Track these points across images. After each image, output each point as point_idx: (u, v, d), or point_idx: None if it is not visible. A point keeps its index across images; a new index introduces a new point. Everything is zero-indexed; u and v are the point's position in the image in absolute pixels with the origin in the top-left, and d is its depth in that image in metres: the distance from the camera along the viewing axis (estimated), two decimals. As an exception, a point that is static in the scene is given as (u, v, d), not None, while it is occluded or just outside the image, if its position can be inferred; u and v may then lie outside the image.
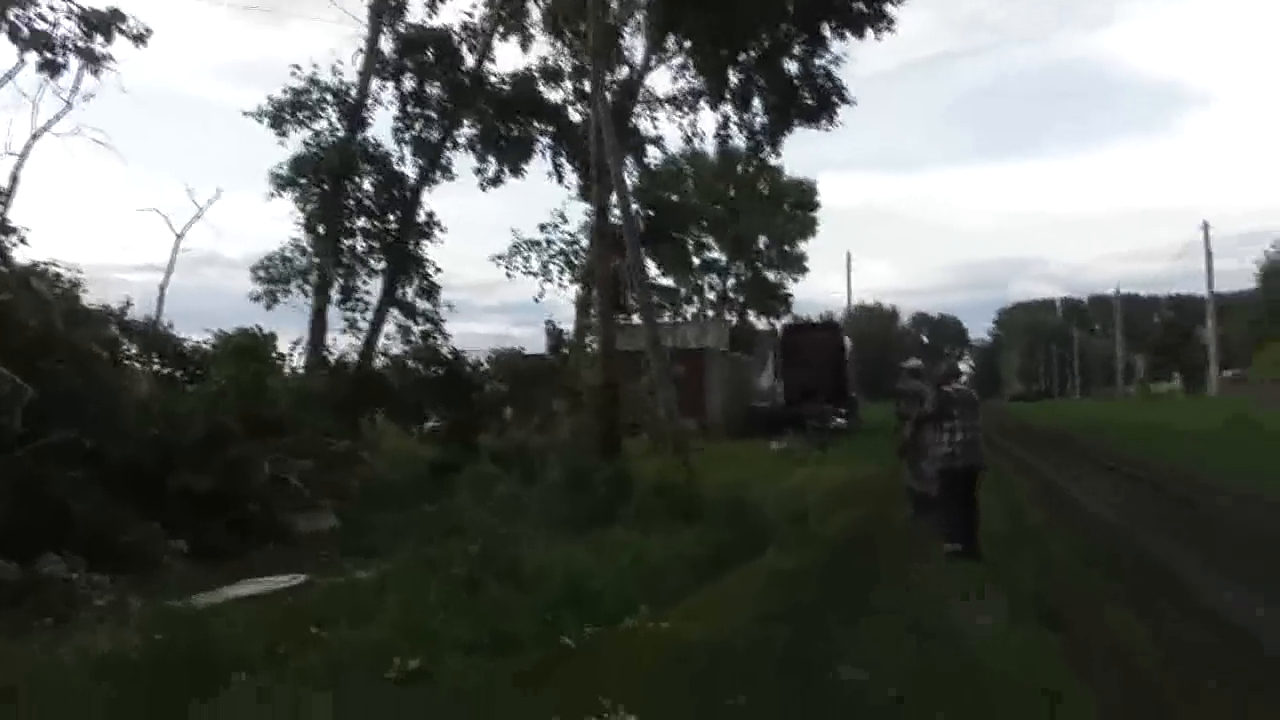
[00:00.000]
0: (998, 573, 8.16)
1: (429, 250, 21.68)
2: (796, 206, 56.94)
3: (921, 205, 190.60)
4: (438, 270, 21.49)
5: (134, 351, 15.52)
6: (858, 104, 26.45)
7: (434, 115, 22.65)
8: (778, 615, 6.93)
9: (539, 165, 25.96)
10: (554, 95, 25.44)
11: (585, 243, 24.26)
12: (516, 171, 24.89)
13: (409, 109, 22.30)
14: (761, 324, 53.87)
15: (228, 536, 10.45)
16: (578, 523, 10.58)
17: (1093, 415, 43.97)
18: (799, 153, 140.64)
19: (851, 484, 15.32)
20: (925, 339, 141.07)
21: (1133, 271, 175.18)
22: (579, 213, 27.17)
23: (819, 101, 25.96)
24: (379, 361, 20.04)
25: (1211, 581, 7.98)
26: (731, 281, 57.12)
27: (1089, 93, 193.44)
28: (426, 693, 5.25)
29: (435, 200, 32.38)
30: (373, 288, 20.98)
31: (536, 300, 26.13)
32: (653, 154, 29.24)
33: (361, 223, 20.95)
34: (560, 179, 26.06)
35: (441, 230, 21.80)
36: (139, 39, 14.20)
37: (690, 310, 55.89)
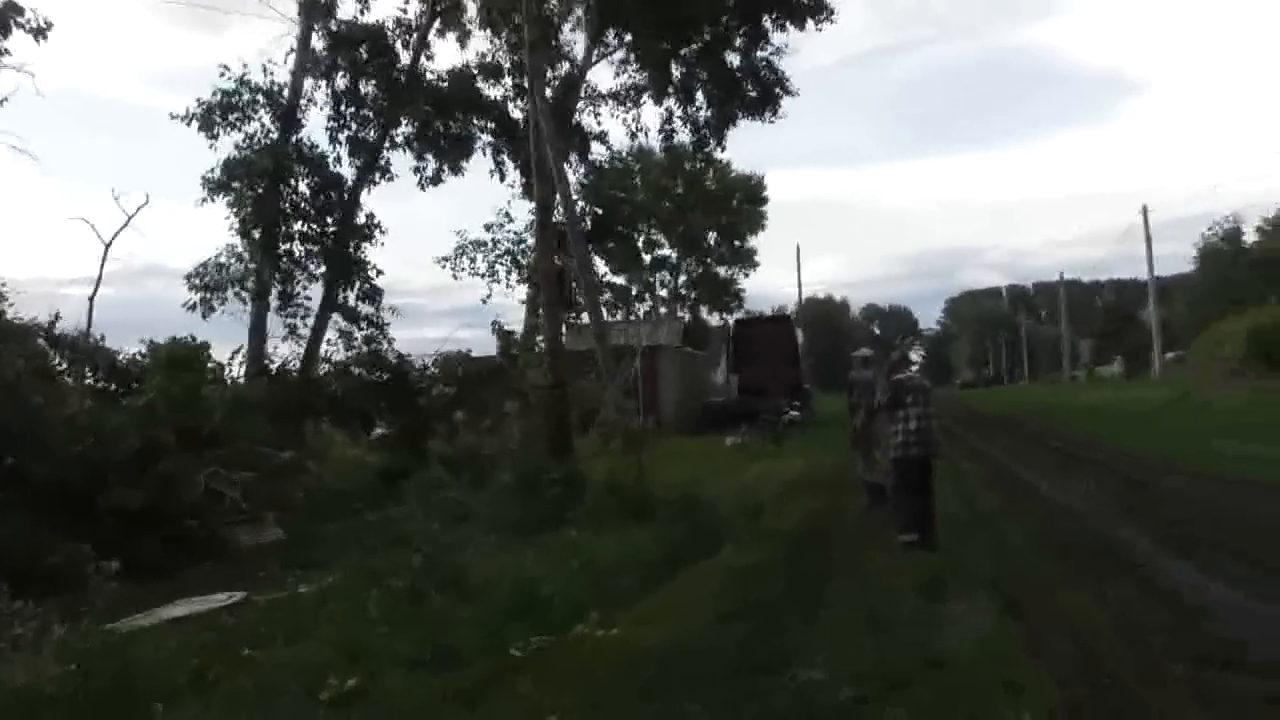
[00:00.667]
0: (954, 561, 8.10)
1: (370, 253, 21.27)
2: (746, 201, 57.13)
3: (867, 198, 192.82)
4: (379, 273, 21.08)
5: (64, 366, 15.01)
6: (800, 96, 26.65)
7: (370, 114, 22.20)
8: (733, 615, 6.78)
9: (481, 164, 25.73)
10: (494, 92, 25.21)
11: (532, 242, 24.02)
12: (457, 170, 24.62)
13: (343, 108, 21.83)
14: (714, 319, 54.02)
15: (163, 554, 10.18)
16: (528, 527, 10.44)
17: (1042, 400, 44.56)
18: (745, 149, 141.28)
19: (806, 476, 15.25)
20: (876, 330, 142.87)
21: (1076, 257, 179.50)
22: (525, 212, 27.02)
23: (762, 94, 25.96)
24: (322, 368, 19.62)
25: (1167, 563, 7.99)
26: (683, 278, 57.17)
27: (1029, 83, 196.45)
28: (362, 713, 5.00)
29: (378, 202, 31.78)
30: (313, 293, 20.49)
31: (484, 302, 25.92)
32: (598, 151, 29.06)
33: (299, 226, 20.41)
34: (502, 177, 25.87)
35: (382, 232, 21.38)
36: (39, 33, 13.52)
37: (643, 308, 55.95)
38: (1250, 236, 50.14)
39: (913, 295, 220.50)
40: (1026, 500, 12.24)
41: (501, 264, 26.49)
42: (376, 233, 21.32)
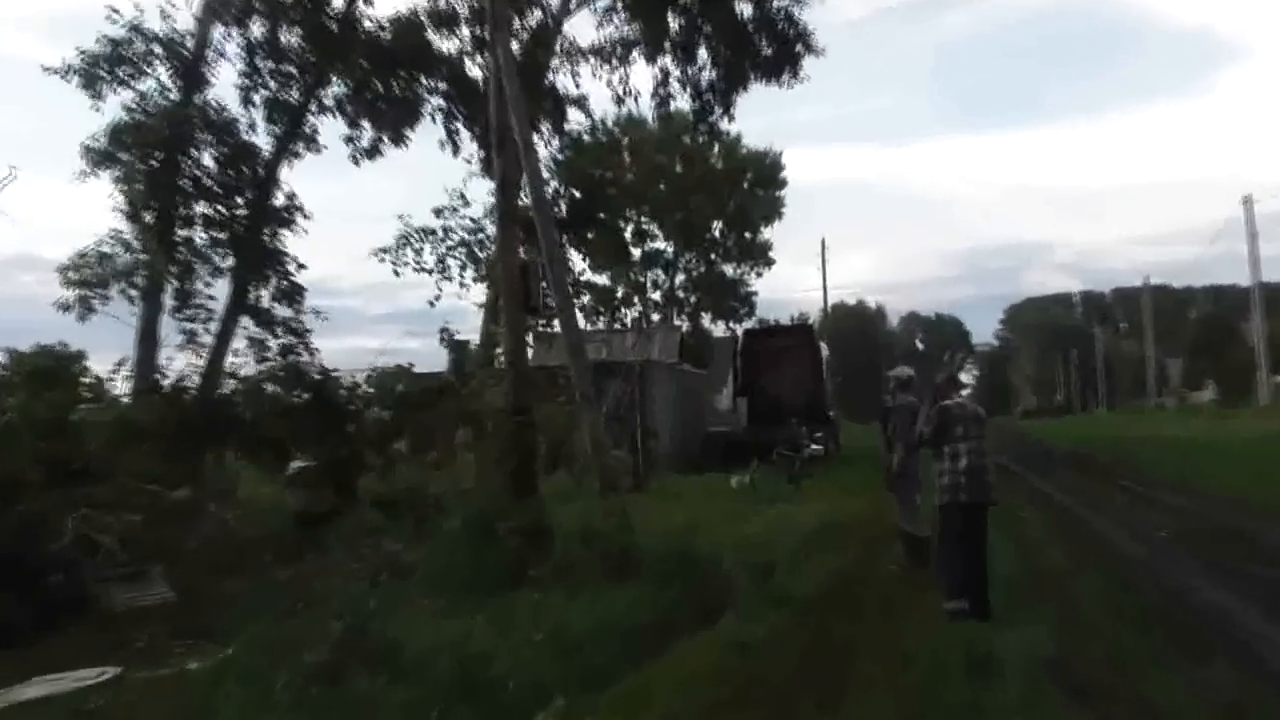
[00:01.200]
0: (1012, 635, 8.01)
1: (290, 242, 21.12)
2: (758, 184, 57.22)
3: (909, 182, 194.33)
4: (301, 267, 20.92)
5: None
6: (826, 55, 26.35)
7: (293, 70, 22.11)
8: (735, 702, 6.70)
9: (430, 133, 25.67)
10: (447, 45, 25.17)
11: (492, 231, 23.97)
12: (400, 140, 24.53)
13: (259, 62, 21.72)
14: (719, 330, 54.03)
15: (19, 618, 9.99)
16: (480, 586, 10.32)
17: (1121, 433, 44.77)
18: (758, 121, 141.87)
19: (831, 526, 15.23)
20: (919, 344, 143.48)
21: (1163, 257, 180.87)
22: (484, 193, 26.96)
23: (778, 51, 25.95)
24: (228, 386, 19.43)
25: (1267, 629, 7.95)
26: (681, 278, 57.17)
27: (1102, 46, 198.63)
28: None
29: (301, 180, 31.79)
30: (218, 291, 20.33)
31: (432, 305, 25.77)
32: (577, 120, 29.03)
33: (201, 208, 20.26)
34: (456, 149, 25.86)
35: (306, 216, 21.25)
36: None
37: (630, 315, 55.90)
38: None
39: (964, 302, 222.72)
40: (1101, 557, 12.26)
41: (454, 258, 26.50)
42: (299, 217, 21.21)
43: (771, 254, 58.19)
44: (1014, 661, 7.23)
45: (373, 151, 24.41)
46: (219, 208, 20.51)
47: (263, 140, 21.57)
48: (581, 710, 6.49)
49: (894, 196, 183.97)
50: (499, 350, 14.41)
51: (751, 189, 57.13)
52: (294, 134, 22.01)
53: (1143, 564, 11.66)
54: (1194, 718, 6.08)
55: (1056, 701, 6.39)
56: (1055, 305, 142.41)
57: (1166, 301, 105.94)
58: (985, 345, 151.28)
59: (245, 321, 20.38)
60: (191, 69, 20.45)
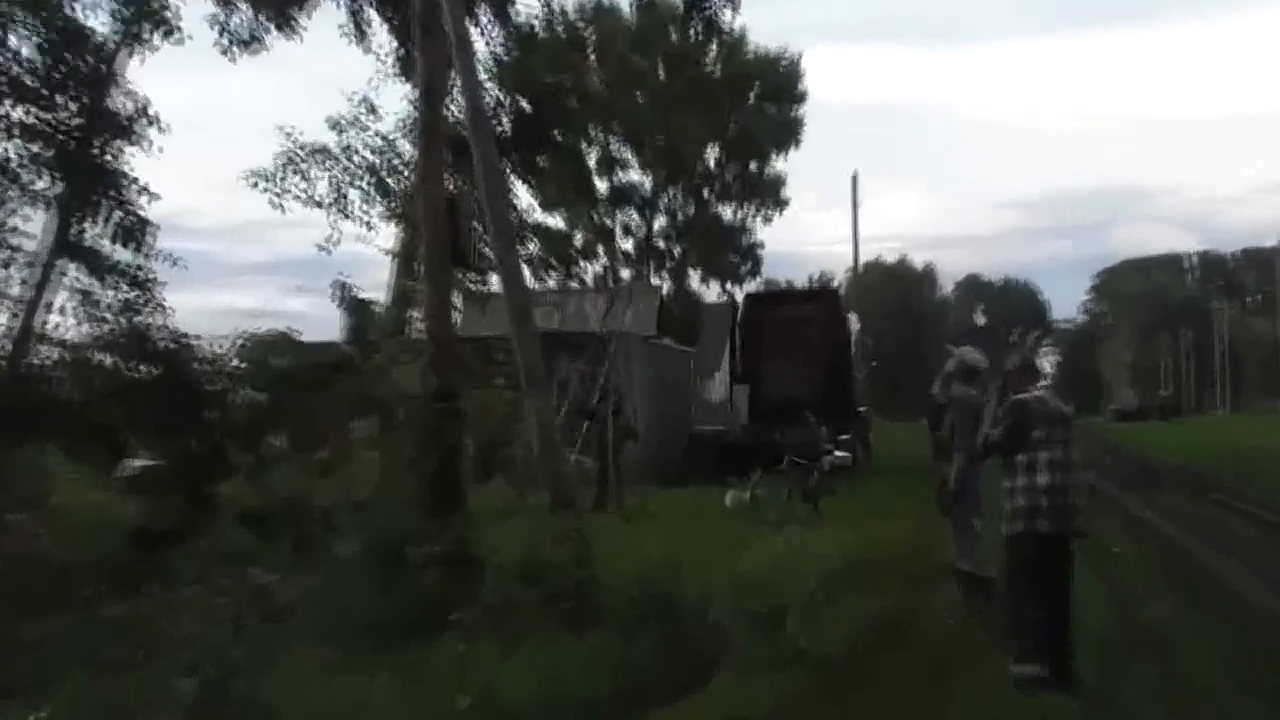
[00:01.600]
0: (1103, 710, 8.05)
1: (137, 162, 20.88)
2: (768, 98, 57.03)
3: (970, 101, 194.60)
4: (151, 196, 20.69)
5: None
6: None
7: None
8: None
9: (328, 18, 25.43)
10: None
11: (409, 153, 23.75)
12: (285, 25, 24.25)
13: (98, -86, 21.48)
14: (711, 294, 54.11)
15: None
16: (385, 633, 10.31)
17: (1254, 443, 45.11)
18: (769, 13, 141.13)
19: (861, 561, 15.29)
20: (981, 317, 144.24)
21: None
22: (399, 100, 26.70)
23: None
24: (44, 354, 19.24)
25: None
26: (662, 222, 57.04)
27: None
28: None
29: (153, 79, 31.56)
30: (34, 226, 20.11)
31: (326, 251, 25.37)
32: (527, 6, 28.83)
33: (16, 111, 20.05)
34: (361, 37, 25.57)
35: (159, 128, 20.99)
36: None
37: (594, 268, 55.79)
38: None
39: (1042, 264, 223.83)
40: (1224, 611, 12.35)
41: (357, 187, 26.25)
42: (148, 128, 20.97)
43: (784, 193, 58.16)
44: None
45: (251, 41, 24.17)
46: (39, 112, 20.26)
47: (99, 23, 21.30)
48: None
49: (950, 119, 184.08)
50: (415, 315, 14.25)
51: (759, 104, 56.95)
52: (140, 14, 21.74)
53: (1276, 617, 11.75)
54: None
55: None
56: (1161, 270, 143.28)
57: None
58: (1067, 322, 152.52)
59: (71, 268, 20.18)
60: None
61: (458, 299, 14.45)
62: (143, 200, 20.59)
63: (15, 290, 19.60)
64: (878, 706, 8.71)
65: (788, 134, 57.05)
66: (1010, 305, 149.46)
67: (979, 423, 10.74)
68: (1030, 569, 8.88)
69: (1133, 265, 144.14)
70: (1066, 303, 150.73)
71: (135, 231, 20.50)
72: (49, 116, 20.37)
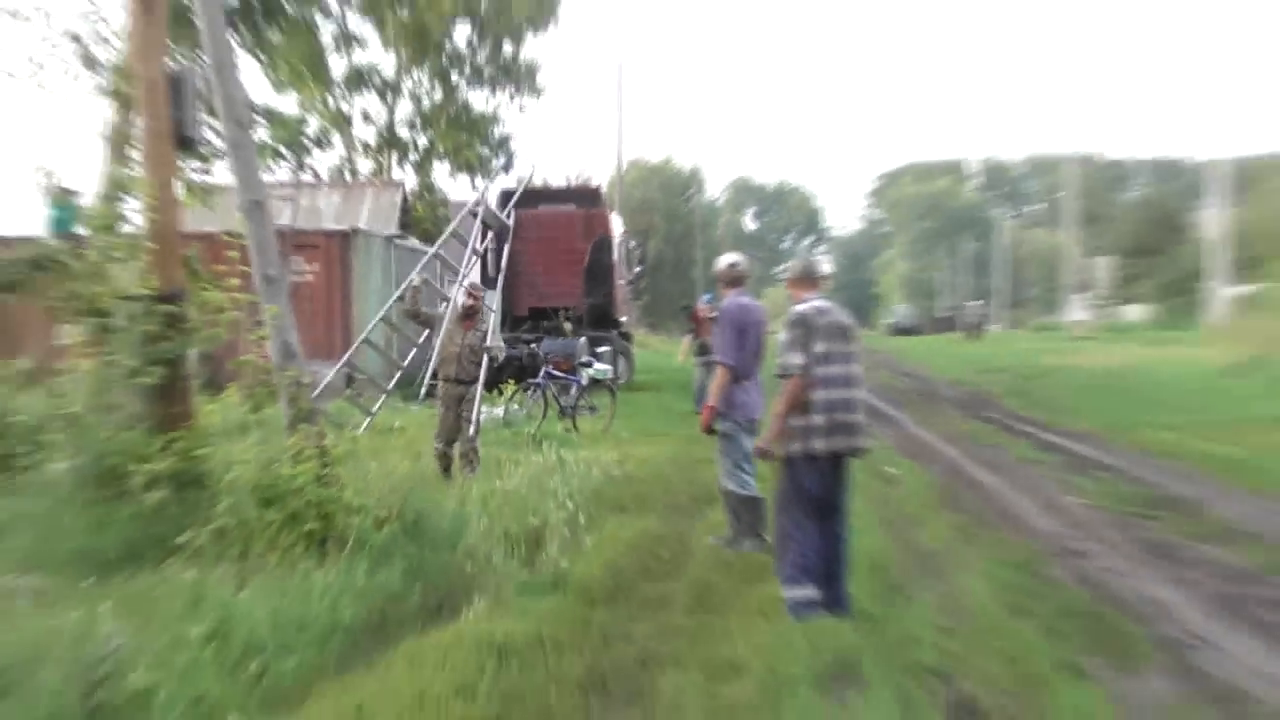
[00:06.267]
0: (880, 635, 8.43)
1: None
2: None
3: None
4: None
5: None
6: None
7: None
8: (488, 728, 6.82)
9: None
10: None
11: (121, 23, 23.02)
12: None
13: None
14: (461, 190, 53.69)
15: None
16: (105, 560, 10.09)
17: (1034, 359, 46.94)
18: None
19: (624, 481, 15.45)
20: (751, 222, 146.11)
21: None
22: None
23: None
24: None
25: (1226, 641, 8.63)
26: (407, 109, 56.22)
27: None
28: None
29: None
30: None
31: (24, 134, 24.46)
32: None
33: None
34: None
35: None
36: None
37: (329, 160, 54.82)
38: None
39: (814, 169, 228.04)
40: (1000, 533, 12.91)
41: (58, 58, 25.38)
42: None
43: (539, 80, 57.74)
44: (880, 672, 7.61)
45: None
46: None
47: None
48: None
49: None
50: (132, 207, 13.83)
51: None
52: None
53: (1055, 542, 12.33)
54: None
55: (937, 726, 6.80)
56: (941, 177, 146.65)
57: (1097, 177, 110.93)
58: (842, 230, 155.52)
59: None
60: None
61: (180, 190, 14.01)
62: None
63: None
64: (644, 632, 8.88)
65: (544, 10, 56.38)
66: (783, 211, 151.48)
67: (744, 334, 11.02)
68: (805, 491, 8.95)
69: (913, 170, 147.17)
70: (844, 210, 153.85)
71: None
72: None
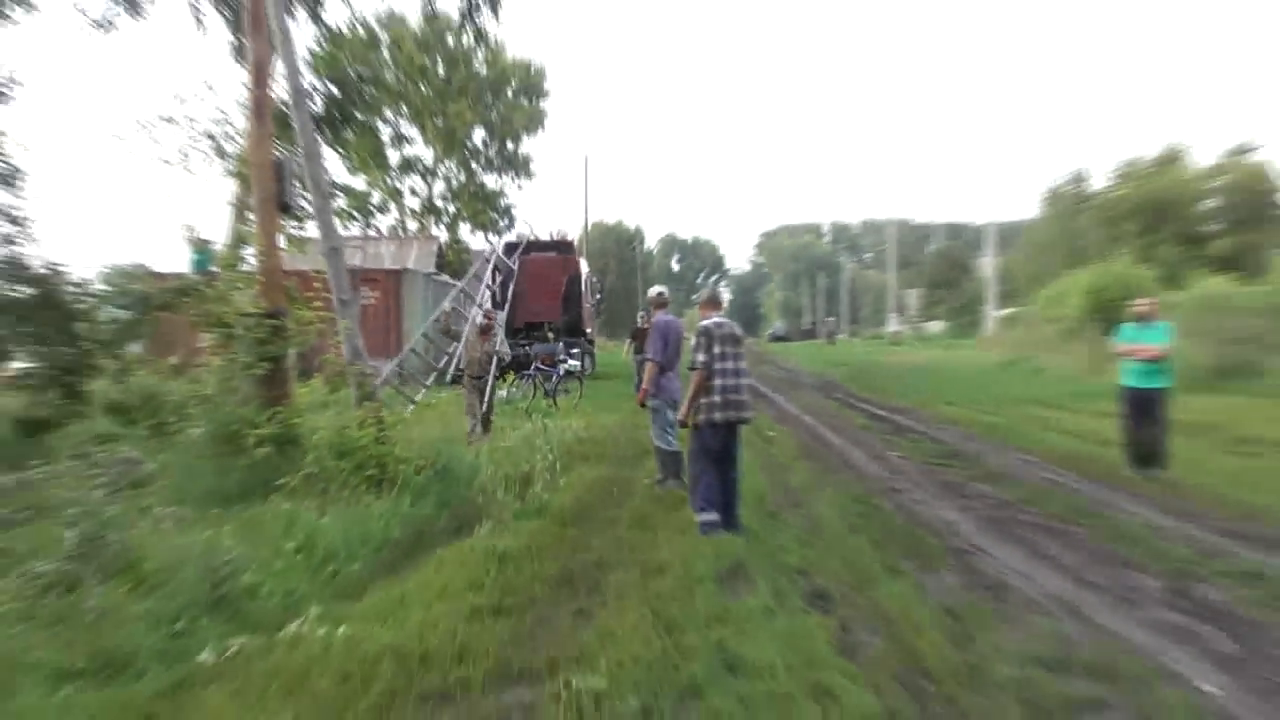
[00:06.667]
0: (760, 546, 8.45)
1: (4, 118, 19.36)
2: (521, 93, 56.74)
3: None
4: (21, 147, 19.21)
5: None
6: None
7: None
8: (493, 609, 6.78)
9: (176, 7, 24.03)
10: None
11: (242, 124, 22.77)
12: (136, 10, 22.80)
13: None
14: (478, 242, 53.51)
15: None
16: (227, 496, 10.05)
17: (865, 357, 47.33)
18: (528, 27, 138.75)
19: (586, 441, 15.50)
20: (675, 265, 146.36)
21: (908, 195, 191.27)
22: (235, 82, 25.66)
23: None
24: (-65, 277, 17.80)
25: (993, 549, 8.71)
26: (441, 186, 56.12)
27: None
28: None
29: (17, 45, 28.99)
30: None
31: (176, 207, 24.18)
32: (337, 14, 27.82)
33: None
34: (202, 27, 24.32)
35: (12, 86, 19.44)
36: None
37: (387, 221, 54.61)
38: (1100, 183, 54.51)
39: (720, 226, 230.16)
40: (842, 475, 12.93)
41: (199, 149, 25.09)
42: (12, 89, 19.39)
43: (533, 167, 58.06)
44: (761, 571, 7.64)
45: (105, 24, 22.61)
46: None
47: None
48: (337, 618, 6.45)
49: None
50: (249, 252, 13.74)
51: (515, 98, 56.56)
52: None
53: (879, 481, 12.39)
54: (915, 618, 6.57)
55: (798, 607, 6.80)
56: (806, 233, 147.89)
57: (909, 235, 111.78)
58: (738, 269, 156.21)
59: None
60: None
61: (282, 241, 13.96)
62: (15, 149, 19.20)
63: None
64: (600, 544, 8.86)
65: (535, 122, 57.11)
66: (697, 256, 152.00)
67: (667, 340, 11.04)
68: (709, 447, 9.04)
69: (786, 229, 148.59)
70: (739, 256, 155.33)
71: (9, 177, 19.08)
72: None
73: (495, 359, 16.95)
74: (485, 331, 17.24)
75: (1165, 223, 45.71)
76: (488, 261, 22.29)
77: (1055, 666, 5.67)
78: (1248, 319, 25.10)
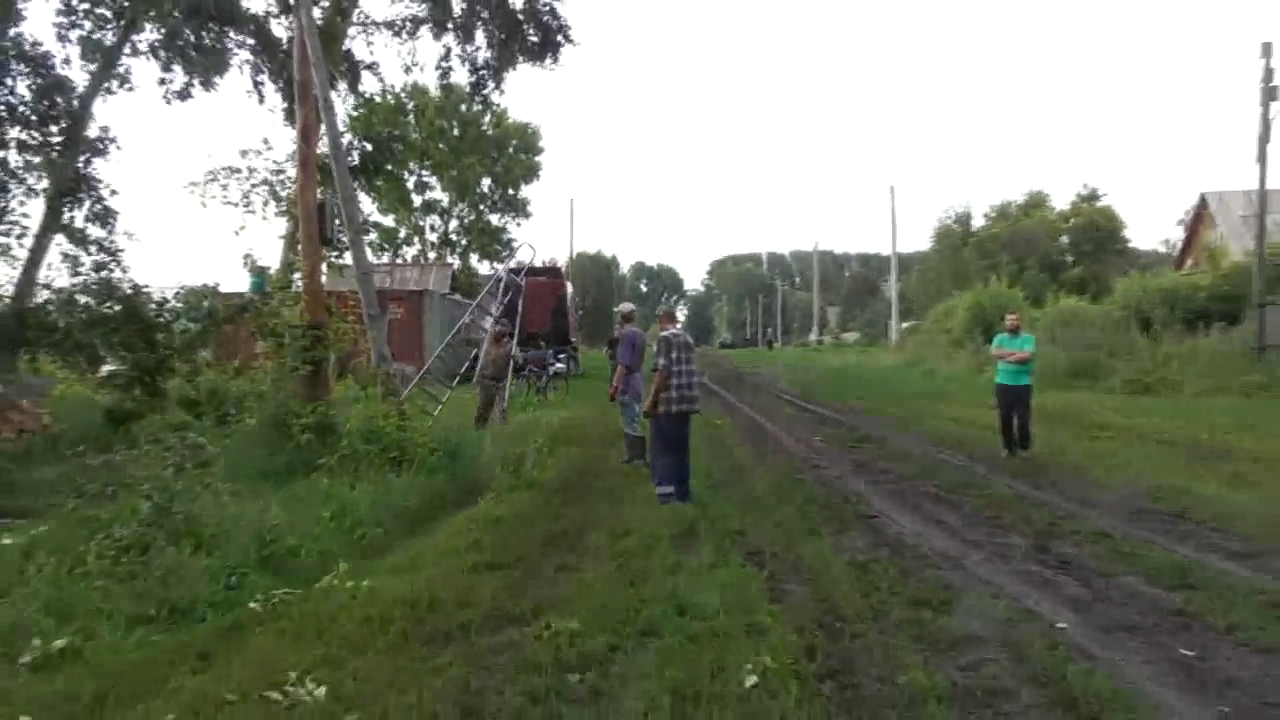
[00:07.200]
0: (707, 513, 8.41)
1: (102, 169, 19.06)
2: (522, 150, 56.84)
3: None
4: (113, 193, 19.02)
5: None
6: (582, 46, 26.28)
7: (107, 14, 19.86)
8: (489, 565, 6.71)
9: (238, 82, 23.84)
10: (255, 3, 23.32)
11: (292, 174, 22.58)
12: (209, 84, 22.59)
13: (75, 2, 19.40)
14: (485, 269, 53.35)
15: None
16: (275, 474, 9.92)
17: (794, 361, 47.37)
18: (531, 89, 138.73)
19: (570, 428, 15.43)
20: (643, 287, 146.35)
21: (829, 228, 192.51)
22: (287, 140, 25.47)
23: (542, 39, 25.44)
24: (41, 295, 17.52)
25: (894, 515, 8.71)
26: (455, 224, 56.00)
27: None
28: (70, 676, 4.51)
29: (116, 115, 29.06)
30: (32, 209, 18.19)
31: (236, 234, 24.09)
32: (370, 84, 27.64)
33: (16, 132, 18.00)
34: (261, 98, 24.10)
35: (116, 147, 19.25)
36: None
37: (411, 251, 54.38)
38: (979, 222, 55.10)
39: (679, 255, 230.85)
40: (775, 455, 12.91)
41: (258, 193, 24.86)
42: (111, 147, 19.17)
43: (529, 208, 58.15)
44: (708, 534, 7.61)
45: (184, 94, 22.38)
46: (34, 133, 18.29)
47: (78, 75, 19.37)
48: (363, 573, 6.36)
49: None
50: (297, 276, 13.61)
51: (516, 153, 56.65)
52: (108, 72, 19.82)
53: (804, 460, 12.38)
54: (831, 570, 6.56)
55: (738, 562, 6.77)
56: (748, 261, 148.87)
57: (830, 263, 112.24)
58: (694, 291, 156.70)
59: (60, 239, 18.38)
60: (4, 3, 18.00)
61: (324, 267, 13.90)
62: (108, 194, 19.00)
63: (21, 253, 17.90)
64: (578, 512, 8.79)
65: (532, 172, 57.23)
66: (661, 280, 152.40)
67: (634, 348, 10.99)
68: (666, 433, 9.04)
69: (731, 258, 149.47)
70: (693, 280, 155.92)
71: (103, 216, 18.84)
72: (40, 137, 18.50)
73: (510, 361, 16.95)
74: (498, 340, 17.15)
75: (1031, 254, 46.27)
76: (499, 281, 22.16)
77: (941, 608, 5.66)
78: (1095, 331, 25.63)
